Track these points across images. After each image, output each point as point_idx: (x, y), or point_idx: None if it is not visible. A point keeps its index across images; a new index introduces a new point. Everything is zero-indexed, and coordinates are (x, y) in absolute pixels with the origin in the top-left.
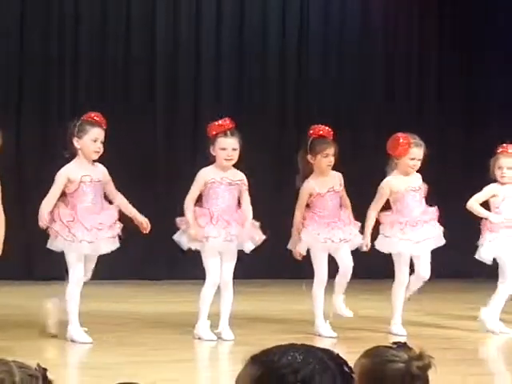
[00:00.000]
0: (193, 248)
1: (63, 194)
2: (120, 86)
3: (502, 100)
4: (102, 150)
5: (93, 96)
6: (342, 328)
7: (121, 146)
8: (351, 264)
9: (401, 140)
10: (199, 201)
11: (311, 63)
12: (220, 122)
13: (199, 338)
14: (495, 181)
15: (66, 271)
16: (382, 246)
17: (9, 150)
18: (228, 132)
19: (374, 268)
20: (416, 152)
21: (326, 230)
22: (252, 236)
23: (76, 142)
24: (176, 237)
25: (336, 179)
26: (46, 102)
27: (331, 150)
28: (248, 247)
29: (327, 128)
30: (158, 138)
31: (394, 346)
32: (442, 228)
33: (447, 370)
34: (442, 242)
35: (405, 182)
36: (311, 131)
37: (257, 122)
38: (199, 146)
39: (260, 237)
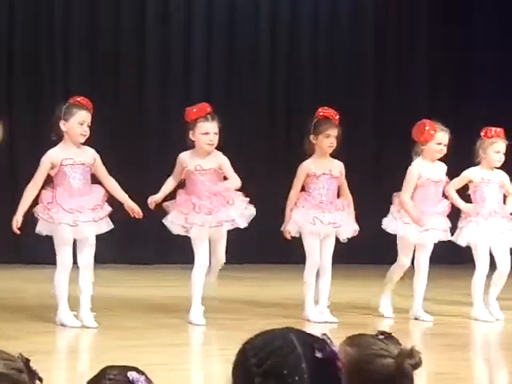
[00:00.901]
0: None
1: (50, 178)
2: (111, 69)
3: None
4: (88, 133)
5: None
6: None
7: (111, 130)
8: (330, 262)
9: (427, 126)
10: (184, 186)
11: (302, 42)
12: (198, 106)
13: (190, 323)
14: (476, 164)
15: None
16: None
17: None
18: (209, 116)
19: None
20: (442, 136)
21: (316, 211)
22: (242, 212)
23: (63, 125)
24: (165, 220)
25: (336, 166)
26: (37, 87)
27: (334, 131)
28: (240, 223)
29: (332, 110)
30: (148, 122)
31: (381, 336)
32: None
33: (439, 356)
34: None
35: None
36: (317, 113)
37: (248, 109)
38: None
39: (251, 212)
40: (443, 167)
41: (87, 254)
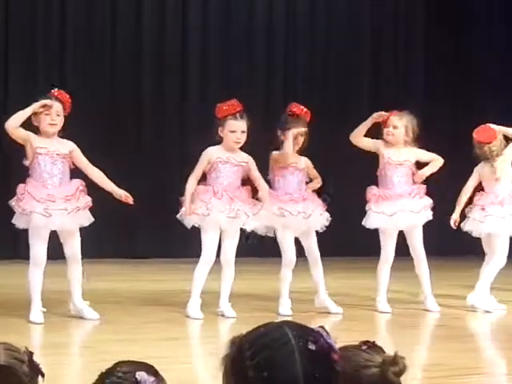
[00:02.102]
0: (196, 225)
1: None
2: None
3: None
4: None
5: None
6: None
7: (106, 124)
8: (317, 253)
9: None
10: (203, 180)
11: (298, 36)
12: (229, 103)
13: (187, 316)
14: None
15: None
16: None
17: None
18: (238, 115)
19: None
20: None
21: (282, 202)
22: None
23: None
24: (179, 215)
25: (301, 160)
26: (32, 75)
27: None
28: (250, 225)
29: (301, 106)
30: (144, 116)
31: (364, 346)
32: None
33: (435, 347)
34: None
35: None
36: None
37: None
38: (187, 124)
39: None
40: (407, 151)
41: (71, 246)
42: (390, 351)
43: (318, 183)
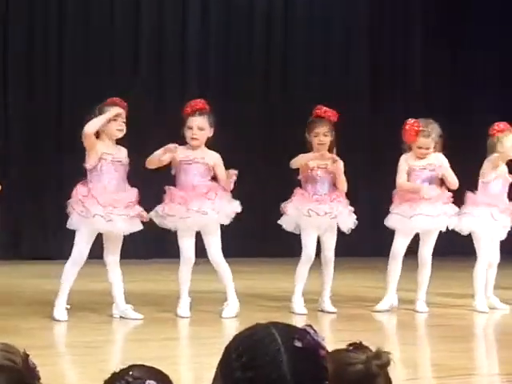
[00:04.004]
0: (172, 228)
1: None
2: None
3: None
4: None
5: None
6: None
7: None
8: (331, 254)
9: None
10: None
11: (297, 29)
12: (191, 102)
13: (177, 316)
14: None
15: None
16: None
17: None
18: (196, 112)
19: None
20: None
21: (311, 204)
22: (219, 206)
23: None
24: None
25: (329, 162)
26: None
27: (322, 129)
28: (220, 219)
29: (327, 109)
30: (146, 111)
31: (350, 347)
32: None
33: (432, 347)
34: None
35: None
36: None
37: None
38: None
39: (234, 208)
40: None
41: (117, 251)
42: (389, 351)
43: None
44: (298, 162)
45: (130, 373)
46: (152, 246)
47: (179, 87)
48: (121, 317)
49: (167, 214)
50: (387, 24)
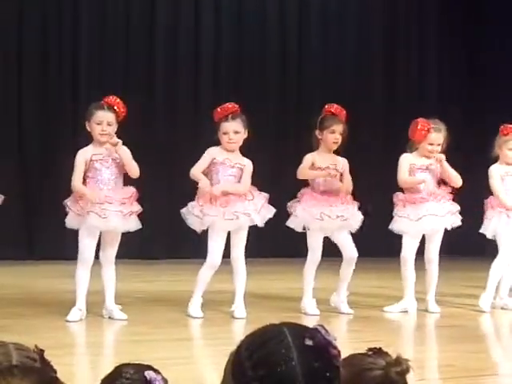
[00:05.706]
0: (204, 228)
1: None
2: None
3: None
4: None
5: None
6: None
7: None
8: (355, 252)
9: (419, 125)
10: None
11: (312, 33)
12: (222, 106)
13: (188, 315)
14: (495, 160)
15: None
16: None
17: (11, 128)
18: (229, 116)
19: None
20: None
21: (323, 206)
22: (258, 209)
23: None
24: (183, 210)
25: (340, 161)
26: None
27: (339, 127)
28: (256, 220)
29: (339, 107)
30: (157, 117)
31: (370, 352)
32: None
33: (444, 348)
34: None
35: None
36: (324, 109)
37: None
38: (200, 123)
39: (269, 211)
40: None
41: (112, 249)
42: (402, 352)
43: (348, 184)
44: (305, 175)
45: (125, 370)
46: (163, 246)
47: (192, 97)
48: (109, 317)
49: (205, 214)
50: (401, 36)
